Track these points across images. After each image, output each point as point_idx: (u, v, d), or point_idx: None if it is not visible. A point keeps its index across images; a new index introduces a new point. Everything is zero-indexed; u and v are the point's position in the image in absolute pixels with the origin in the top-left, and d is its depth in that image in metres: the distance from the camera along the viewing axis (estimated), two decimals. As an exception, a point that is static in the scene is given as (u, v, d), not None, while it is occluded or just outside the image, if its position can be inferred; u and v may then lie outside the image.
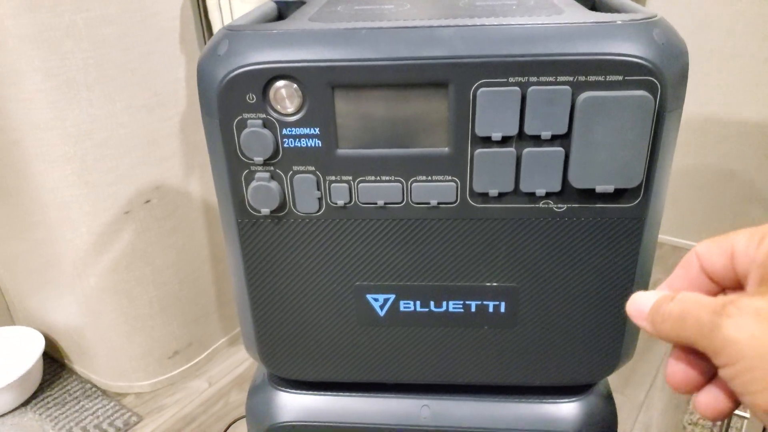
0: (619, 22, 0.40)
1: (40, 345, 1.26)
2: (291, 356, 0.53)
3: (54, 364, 1.37)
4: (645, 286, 0.49)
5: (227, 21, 1.04)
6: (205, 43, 1.14)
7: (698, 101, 1.34)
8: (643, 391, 1.29)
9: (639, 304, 0.28)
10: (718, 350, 0.22)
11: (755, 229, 0.26)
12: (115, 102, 1.03)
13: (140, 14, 1.01)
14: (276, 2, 0.57)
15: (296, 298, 0.50)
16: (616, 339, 0.50)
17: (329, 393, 0.56)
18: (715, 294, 0.28)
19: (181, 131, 1.13)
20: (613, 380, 1.28)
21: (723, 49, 1.26)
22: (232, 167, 0.45)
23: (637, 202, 0.43)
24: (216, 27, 1.07)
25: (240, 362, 1.38)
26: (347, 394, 0.56)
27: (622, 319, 0.49)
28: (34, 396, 1.27)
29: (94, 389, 1.30)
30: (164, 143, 1.12)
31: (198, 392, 1.30)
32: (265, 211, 0.45)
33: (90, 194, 1.07)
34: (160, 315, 1.24)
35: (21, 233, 1.17)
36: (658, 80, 0.39)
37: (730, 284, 0.27)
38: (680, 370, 0.26)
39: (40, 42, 0.94)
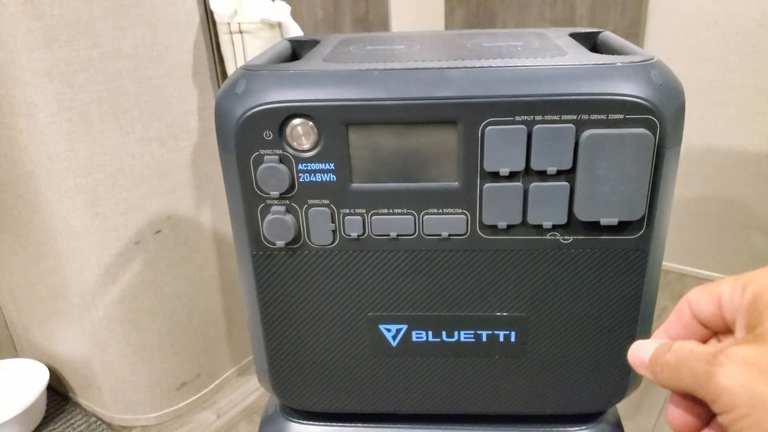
0: (619, 64, 0.42)
1: (44, 378, 1.26)
2: (304, 387, 0.54)
3: (58, 397, 1.37)
4: (650, 315, 0.50)
5: (239, 55, 1.07)
6: (218, 77, 1.18)
7: (699, 132, 1.36)
8: (653, 418, 1.28)
9: (639, 354, 0.29)
10: (714, 398, 0.23)
11: (739, 277, 0.27)
12: (128, 134, 1.05)
13: (153, 48, 1.04)
14: (290, 41, 0.60)
15: (310, 328, 0.51)
16: (624, 367, 0.51)
17: (342, 424, 0.57)
18: (708, 338, 0.29)
19: (192, 162, 1.16)
20: (624, 408, 1.28)
21: (720, 82, 1.29)
22: (249, 201, 0.46)
23: (640, 234, 0.45)
24: (228, 61, 1.10)
25: (249, 393, 1.38)
26: (360, 425, 0.56)
27: (629, 346, 0.50)
28: (37, 430, 1.26)
29: (98, 423, 1.29)
30: (176, 174, 1.14)
31: (206, 425, 1.29)
32: (280, 243, 0.47)
33: (101, 225, 1.08)
34: (168, 346, 1.25)
35: (29, 264, 1.19)
36: (656, 118, 0.41)
37: (720, 329, 0.29)
38: (680, 415, 0.28)
39: (54, 76, 0.97)
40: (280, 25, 1.07)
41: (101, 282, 1.13)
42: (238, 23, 1.06)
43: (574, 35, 0.55)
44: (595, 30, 0.57)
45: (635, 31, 1.31)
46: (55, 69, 0.96)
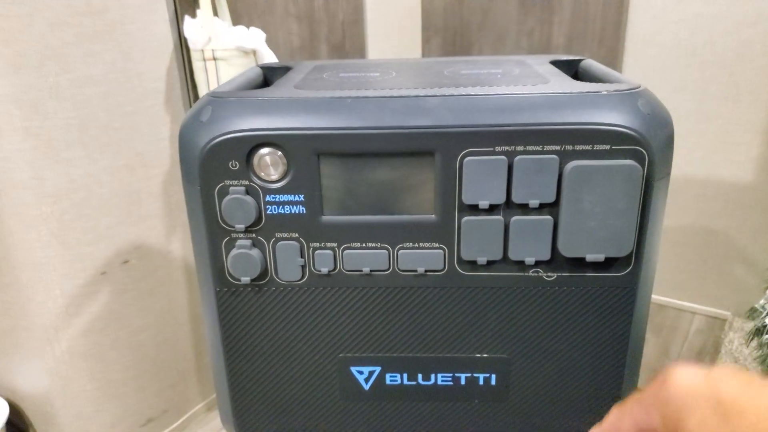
0: (605, 93, 0.40)
1: (3, 413, 1.20)
2: (270, 431, 0.50)
3: (19, 433, 1.30)
4: (639, 354, 0.48)
5: (212, 82, 1.05)
6: (191, 104, 1.15)
7: (677, 162, 1.36)
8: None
9: None
10: None
11: (641, 396, 0.25)
12: (97, 161, 1.02)
13: (125, 75, 1.01)
14: (261, 68, 0.57)
15: (276, 370, 0.47)
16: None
17: (311, 471, 0.53)
18: None
19: (163, 191, 1.12)
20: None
21: (698, 112, 1.30)
22: (213, 234, 0.43)
23: (628, 270, 0.43)
24: (201, 88, 1.07)
25: (218, 429, 1.32)
26: (330, 471, 0.53)
27: (618, 388, 0.48)
28: (-5, 468, 1.19)
29: (60, 460, 1.22)
30: (146, 203, 1.10)
31: (172, 462, 1.23)
32: (246, 279, 0.44)
33: (66, 255, 1.04)
34: (134, 380, 1.19)
35: (-10, 295, 1.13)
36: (645, 149, 0.39)
37: None
38: None
39: (22, 102, 0.93)
40: (254, 52, 1.06)
41: (65, 314, 1.08)
42: (212, 50, 1.04)
43: (555, 63, 0.54)
44: (577, 58, 0.55)
45: (613, 61, 1.32)
46: (23, 95, 0.93)
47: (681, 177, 1.37)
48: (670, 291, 1.52)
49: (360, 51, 1.46)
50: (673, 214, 1.42)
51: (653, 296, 1.56)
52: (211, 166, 0.41)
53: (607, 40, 1.32)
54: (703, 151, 1.33)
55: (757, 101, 1.23)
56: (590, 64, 0.53)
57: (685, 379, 0.23)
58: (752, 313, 0.97)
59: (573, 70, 0.54)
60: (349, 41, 1.42)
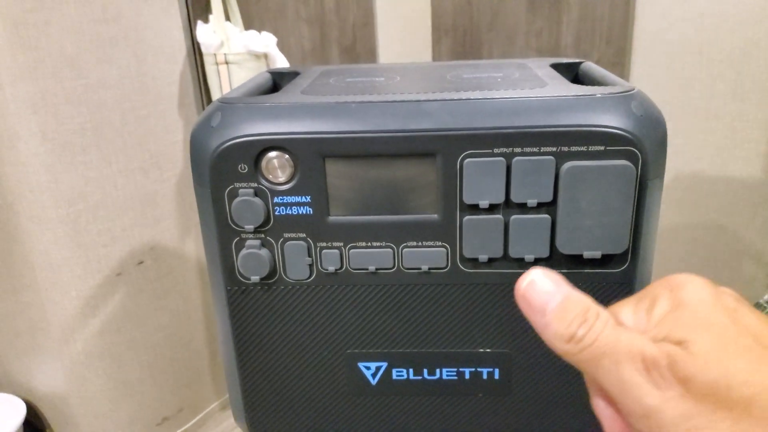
0: (599, 95, 0.41)
1: (20, 413, 1.22)
2: (280, 426, 0.52)
3: (37, 432, 1.33)
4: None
5: (225, 86, 1.07)
6: (203, 107, 1.17)
7: (686, 159, 1.37)
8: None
9: (541, 296, 0.24)
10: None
11: (637, 298, 0.24)
12: (111, 164, 1.04)
13: (139, 79, 1.04)
14: (271, 73, 0.59)
15: (286, 366, 0.49)
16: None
17: (320, 463, 0.54)
18: None
19: (177, 193, 1.14)
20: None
21: (706, 109, 1.30)
22: (223, 235, 0.45)
23: (624, 267, 0.44)
24: (214, 91, 1.09)
25: (232, 428, 1.34)
26: (339, 464, 0.54)
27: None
28: (14, 466, 1.22)
29: (79, 457, 1.25)
30: (160, 205, 1.12)
31: (187, 459, 1.25)
32: (255, 278, 0.46)
33: (82, 256, 1.06)
34: (150, 380, 1.22)
35: (8, 297, 1.16)
36: (638, 150, 0.40)
37: None
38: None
39: (39, 107, 0.96)
40: (266, 56, 1.08)
41: (81, 315, 1.10)
42: (225, 54, 1.07)
43: (555, 66, 0.55)
44: (577, 60, 0.56)
45: (621, 60, 1.32)
46: (40, 101, 0.96)
47: (690, 175, 1.37)
48: (680, 289, 1.52)
49: (371, 53, 1.48)
50: (683, 212, 1.42)
51: (663, 294, 1.56)
52: (221, 170, 0.43)
53: (615, 39, 1.32)
54: (711, 149, 1.33)
55: (765, 99, 1.23)
56: (589, 66, 0.54)
57: (691, 278, 0.23)
58: (756, 308, 0.97)
59: (573, 72, 0.56)
60: (360, 44, 1.44)
